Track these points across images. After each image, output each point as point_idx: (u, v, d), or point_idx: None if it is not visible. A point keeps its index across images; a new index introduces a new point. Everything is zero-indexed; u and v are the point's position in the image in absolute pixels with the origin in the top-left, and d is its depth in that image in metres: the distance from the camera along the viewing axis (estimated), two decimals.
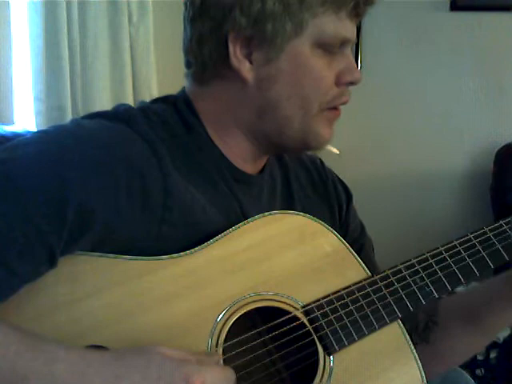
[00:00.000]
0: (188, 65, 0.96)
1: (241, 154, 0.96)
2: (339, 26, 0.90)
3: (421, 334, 1.06)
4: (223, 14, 0.89)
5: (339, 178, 1.14)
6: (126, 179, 0.82)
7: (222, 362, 0.83)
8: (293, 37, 0.89)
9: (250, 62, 0.90)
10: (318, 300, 0.92)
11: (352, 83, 0.95)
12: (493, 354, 2.20)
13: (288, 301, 0.91)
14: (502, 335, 2.17)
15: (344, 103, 0.96)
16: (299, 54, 0.90)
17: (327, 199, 1.10)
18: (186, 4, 0.94)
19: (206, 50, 0.92)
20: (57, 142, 0.82)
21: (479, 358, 2.21)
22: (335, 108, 0.95)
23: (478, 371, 2.21)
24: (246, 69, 0.90)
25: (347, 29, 0.92)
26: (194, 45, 0.93)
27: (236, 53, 0.90)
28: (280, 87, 0.91)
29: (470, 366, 2.18)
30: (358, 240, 1.12)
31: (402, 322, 0.96)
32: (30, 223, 0.76)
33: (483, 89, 2.47)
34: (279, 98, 0.91)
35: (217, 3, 0.89)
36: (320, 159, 1.13)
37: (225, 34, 0.89)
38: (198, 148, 0.93)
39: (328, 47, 0.91)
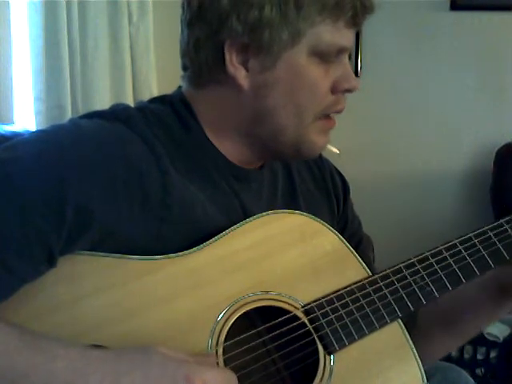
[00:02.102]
0: (184, 68, 0.96)
1: (237, 155, 0.96)
2: (337, 35, 0.90)
3: None
4: (220, 21, 0.88)
5: (336, 169, 1.14)
6: (125, 179, 0.82)
7: (222, 362, 0.83)
8: (289, 45, 0.88)
9: (246, 70, 0.90)
10: (319, 299, 0.92)
11: (348, 91, 0.94)
12: (493, 354, 2.20)
13: (288, 300, 0.91)
14: (502, 335, 2.17)
15: (339, 111, 0.95)
16: (295, 63, 0.89)
17: (326, 192, 1.10)
18: (183, 7, 0.94)
19: (202, 55, 0.91)
20: (55, 142, 0.82)
21: (479, 357, 2.21)
22: (329, 117, 0.95)
23: (477, 371, 2.21)
24: (241, 76, 0.90)
25: (345, 38, 0.91)
26: (191, 49, 0.92)
27: (232, 60, 0.89)
28: (276, 95, 0.91)
29: (470, 365, 2.18)
30: (356, 233, 1.12)
31: (403, 322, 0.96)
32: (29, 223, 0.76)
33: (483, 88, 2.47)
34: (275, 105, 0.91)
35: (214, 9, 0.89)
36: None
37: (221, 41, 0.89)
38: (196, 147, 0.93)
39: (325, 56, 0.90)
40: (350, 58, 0.97)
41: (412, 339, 0.96)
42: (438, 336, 1.10)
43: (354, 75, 0.95)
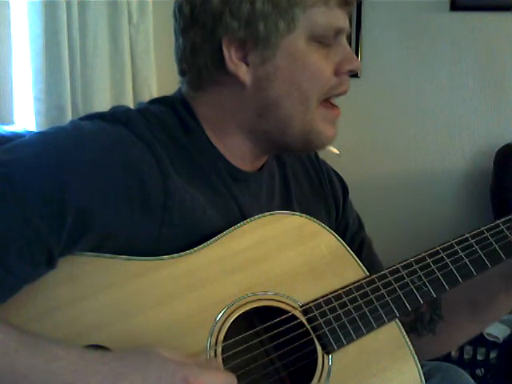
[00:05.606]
0: (182, 73, 0.96)
1: (240, 154, 0.96)
2: (331, 16, 0.90)
3: (426, 326, 1.07)
4: (214, 20, 0.89)
5: (334, 170, 1.14)
6: (125, 181, 0.82)
7: (220, 361, 0.83)
8: (286, 33, 0.89)
9: (247, 64, 0.90)
10: (317, 299, 0.92)
11: (351, 71, 0.95)
12: (493, 354, 2.20)
13: (287, 300, 0.91)
14: (502, 335, 2.17)
15: (343, 93, 0.95)
16: (295, 50, 0.90)
17: (323, 196, 1.10)
18: (175, 15, 0.94)
19: (200, 59, 0.92)
20: (56, 145, 0.82)
21: (479, 358, 2.21)
22: (333, 106, 0.95)
23: (478, 371, 2.21)
24: (242, 72, 0.90)
25: (339, 18, 0.92)
26: (188, 54, 0.92)
27: (231, 57, 0.90)
28: (278, 85, 0.91)
29: (470, 366, 2.18)
30: (358, 233, 1.12)
31: (401, 321, 0.96)
32: (29, 225, 0.76)
33: (483, 89, 2.47)
34: (279, 95, 0.91)
35: (206, 10, 0.89)
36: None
37: (218, 40, 0.89)
38: (196, 149, 0.93)
39: (323, 39, 0.91)
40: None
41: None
42: (464, 322, 1.10)
43: (354, 55, 0.95)
